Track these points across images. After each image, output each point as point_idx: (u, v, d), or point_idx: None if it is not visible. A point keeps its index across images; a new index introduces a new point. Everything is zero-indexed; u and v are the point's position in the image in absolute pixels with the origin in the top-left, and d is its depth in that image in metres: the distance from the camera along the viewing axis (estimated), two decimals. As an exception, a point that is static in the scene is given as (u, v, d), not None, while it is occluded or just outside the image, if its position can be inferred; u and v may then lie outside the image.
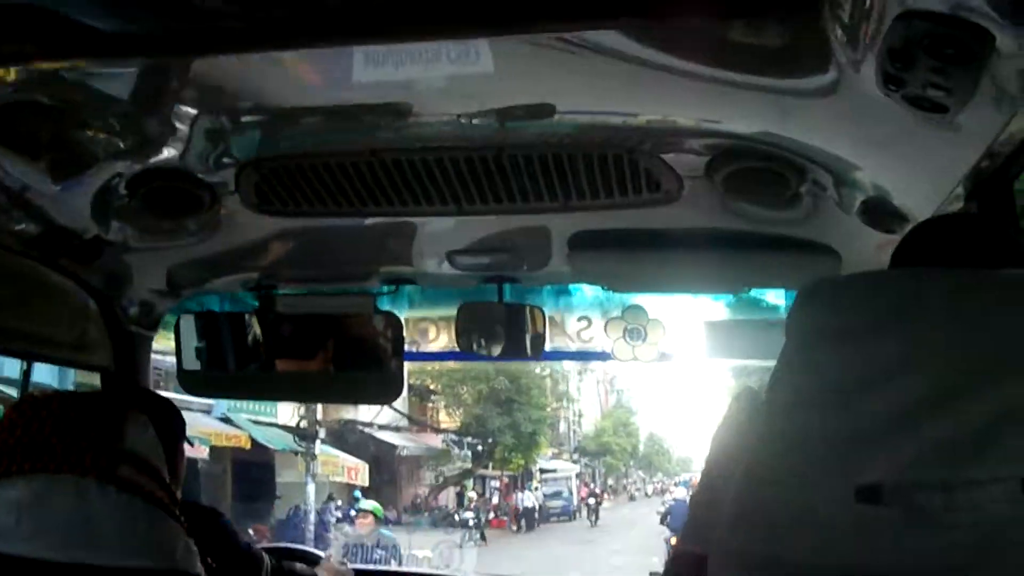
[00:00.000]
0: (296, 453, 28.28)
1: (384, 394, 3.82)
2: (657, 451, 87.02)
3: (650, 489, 74.27)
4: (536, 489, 48.82)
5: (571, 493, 51.31)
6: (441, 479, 42.93)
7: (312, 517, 27.07)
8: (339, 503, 29.73)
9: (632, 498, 68.56)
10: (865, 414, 1.29)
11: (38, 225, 2.74)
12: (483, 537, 31.34)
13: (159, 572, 1.96)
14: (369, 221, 2.91)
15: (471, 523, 32.69)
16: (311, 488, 27.57)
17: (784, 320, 3.30)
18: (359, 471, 32.03)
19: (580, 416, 65.92)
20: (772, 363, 3.03)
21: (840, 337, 1.33)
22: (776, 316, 3.37)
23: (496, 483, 47.43)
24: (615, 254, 3.02)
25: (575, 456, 63.78)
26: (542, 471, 53.16)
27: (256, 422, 27.56)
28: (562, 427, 61.68)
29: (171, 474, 2.17)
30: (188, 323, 3.59)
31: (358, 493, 29.32)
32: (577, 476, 59.66)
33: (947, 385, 1.28)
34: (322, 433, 29.21)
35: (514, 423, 40.97)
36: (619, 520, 47.31)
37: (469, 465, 43.00)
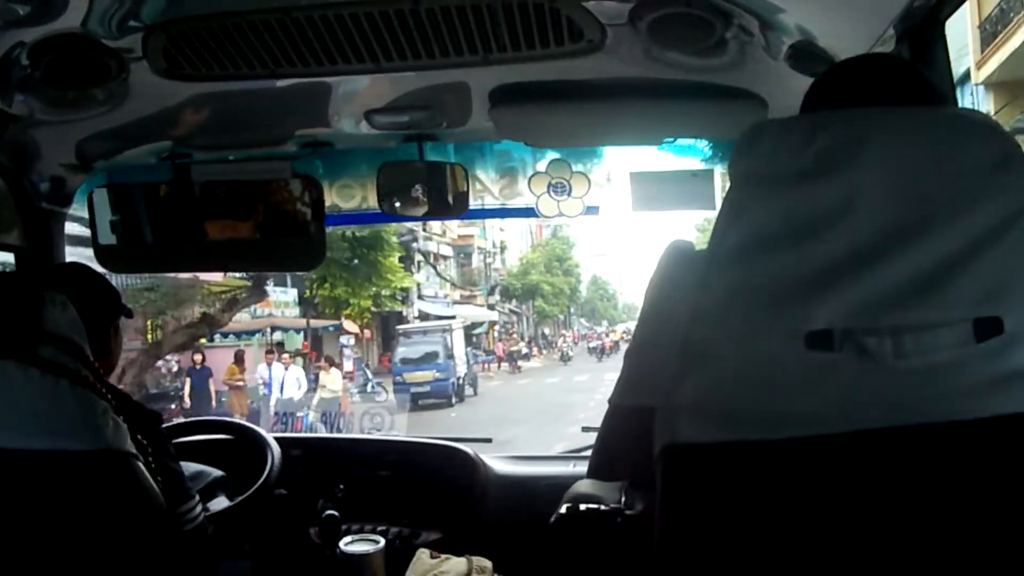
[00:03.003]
0: None
1: (307, 259, 3.78)
2: (601, 296, 78.39)
3: (595, 343, 51.39)
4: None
5: (448, 358, 31.05)
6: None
7: None
8: None
9: (565, 358, 46.51)
10: (813, 259, 1.28)
11: None
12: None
13: (89, 453, 1.94)
14: (283, 83, 2.82)
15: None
16: None
17: (708, 170, 3.35)
18: None
19: (502, 248, 54.32)
20: (698, 212, 3.04)
21: (784, 181, 1.31)
22: (702, 166, 3.37)
23: (348, 340, 32.13)
24: (537, 108, 2.98)
25: (493, 299, 50.34)
26: (424, 316, 38.24)
27: None
28: (475, 260, 50.83)
29: (99, 352, 2.12)
30: (101, 197, 3.48)
31: None
32: (494, 326, 47.91)
33: (895, 226, 1.27)
34: None
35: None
36: (519, 405, 26.37)
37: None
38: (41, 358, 1.89)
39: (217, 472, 3.30)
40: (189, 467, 3.04)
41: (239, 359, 23.78)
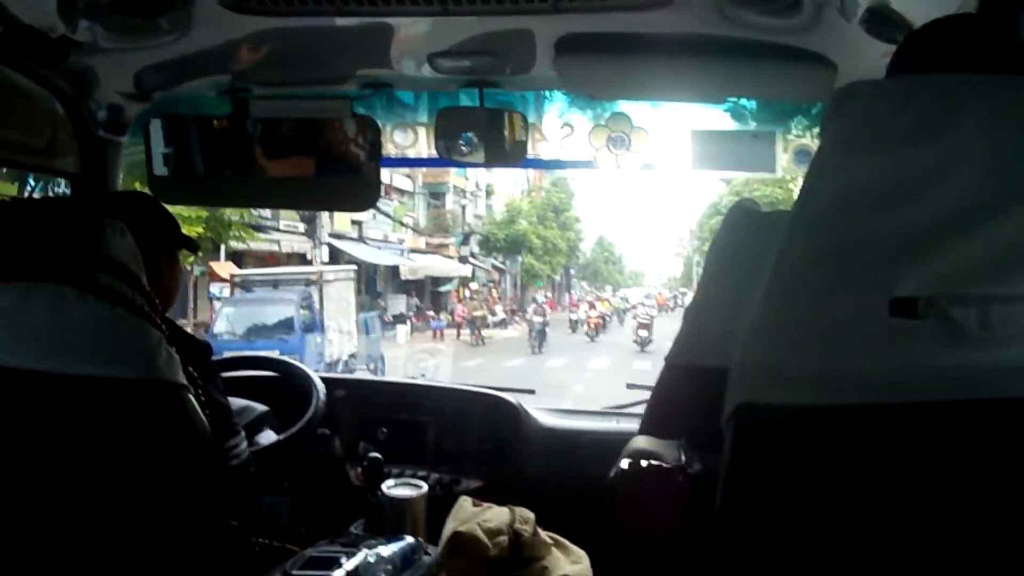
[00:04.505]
0: None
1: (360, 199, 3.77)
2: (606, 258, 72.81)
3: (584, 312, 38.57)
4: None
5: (307, 331, 20.12)
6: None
7: None
8: None
9: (534, 334, 32.70)
10: (901, 224, 1.25)
11: (1, 24, 2.61)
12: None
13: (139, 382, 1.94)
14: (346, 22, 2.79)
15: None
16: None
17: (769, 132, 3.30)
18: None
19: (488, 192, 46.70)
20: (758, 175, 3.01)
21: (876, 144, 1.29)
22: (765, 128, 3.32)
23: (220, 289, 23.80)
24: (602, 59, 2.93)
25: (466, 250, 41.79)
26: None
27: None
28: (449, 201, 43.38)
29: (154, 283, 2.12)
30: (157, 127, 3.49)
31: None
32: (467, 283, 39.11)
33: (987, 196, 1.23)
34: None
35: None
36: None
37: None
38: (98, 285, 1.88)
39: (262, 407, 3.32)
40: (235, 402, 3.06)
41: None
